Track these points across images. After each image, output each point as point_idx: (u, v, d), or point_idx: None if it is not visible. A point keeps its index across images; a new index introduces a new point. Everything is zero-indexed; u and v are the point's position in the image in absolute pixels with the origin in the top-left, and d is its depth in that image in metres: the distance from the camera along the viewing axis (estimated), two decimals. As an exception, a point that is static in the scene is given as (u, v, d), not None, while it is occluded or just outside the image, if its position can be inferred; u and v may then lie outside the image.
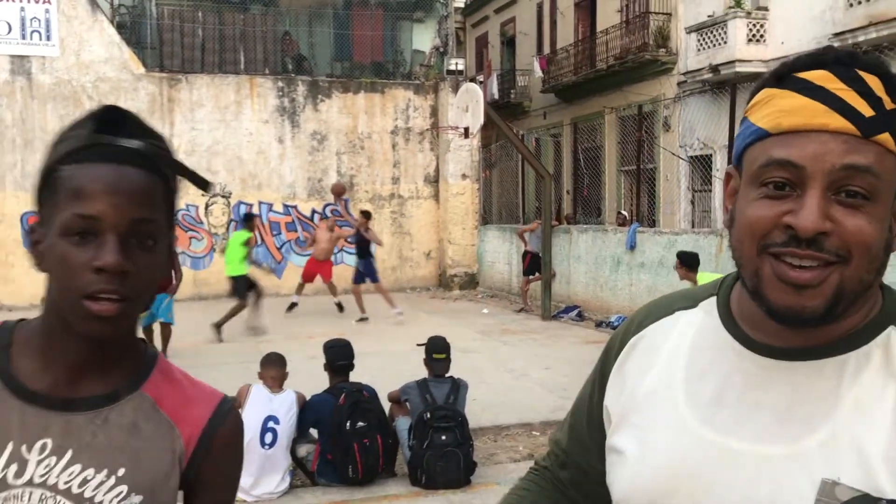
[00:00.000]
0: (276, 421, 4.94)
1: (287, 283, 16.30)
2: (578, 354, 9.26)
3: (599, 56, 18.25)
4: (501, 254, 15.78)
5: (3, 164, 14.56)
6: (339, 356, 5.34)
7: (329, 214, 16.42)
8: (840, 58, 0.84)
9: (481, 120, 11.91)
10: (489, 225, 17.09)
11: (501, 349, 9.77)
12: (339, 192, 12.74)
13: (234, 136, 15.85)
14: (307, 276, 12.86)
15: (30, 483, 0.97)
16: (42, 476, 0.98)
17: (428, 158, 17.08)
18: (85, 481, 0.99)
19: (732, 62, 13.98)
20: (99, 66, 14.97)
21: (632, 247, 11.24)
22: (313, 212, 16.48)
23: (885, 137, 0.81)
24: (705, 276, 7.09)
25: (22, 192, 14.65)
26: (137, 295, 0.97)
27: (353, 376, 5.39)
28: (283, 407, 5.00)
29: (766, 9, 14.27)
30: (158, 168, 0.99)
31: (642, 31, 16.86)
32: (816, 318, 0.82)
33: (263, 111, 16.06)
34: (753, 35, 14.07)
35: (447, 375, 5.33)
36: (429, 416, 5.01)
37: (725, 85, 13.52)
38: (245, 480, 4.83)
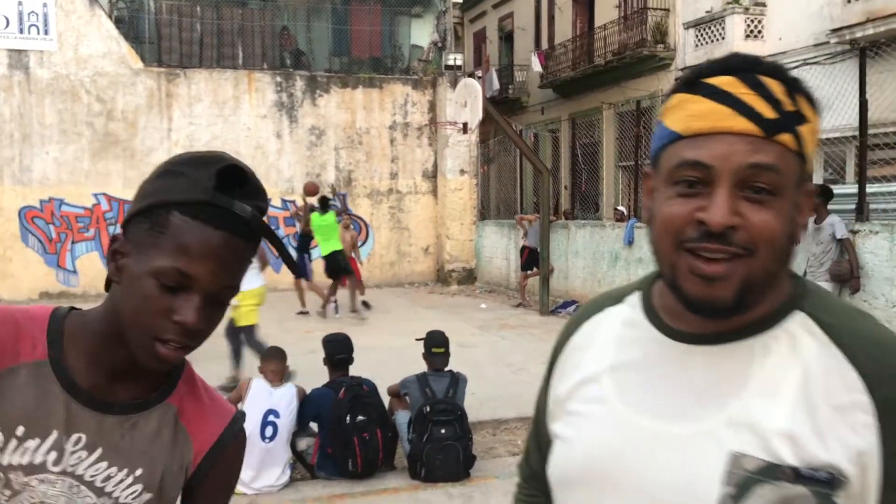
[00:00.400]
0: (277, 415, 4.97)
1: (286, 277, 16.30)
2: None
3: (597, 51, 18.24)
4: (499, 249, 15.80)
5: (1, 158, 14.54)
6: (337, 350, 5.36)
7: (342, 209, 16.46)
8: (744, 64, 0.90)
9: (480, 115, 11.91)
10: (487, 220, 17.11)
11: (500, 344, 9.80)
12: (311, 192, 12.56)
13: (232, 131, 15.84)
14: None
15: (63, 472, 1.04)
16: (72, 466, 1.05)
17: (426, 154, 17.09)
18: (108, 478, 1.07)
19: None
20: (97, 61, 14.95)
21: (630, 242, 11.27)
22: (312, 207, 16.47)
23: (786, 137, 0.88)
24: None
25: (20, 186, 14.65)
26: (198, 344, 1.05)
27: (354, 371, 5.41)
28: (284, 400, 5.02)
29: (763, 4, 14.28)
30: (257, 237, 1.06)
31: (640, 26, 16.85)
32: (727, 307, 0.89)
33: (262, 106, 16.06)
34: (751, 31, 14.08)
35: (446, 370, 5.36)
36: (428, 409, 5.04)
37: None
38: (245, 474, 4.86)
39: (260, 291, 7.17)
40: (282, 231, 16.31)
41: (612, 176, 18.32)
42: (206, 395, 1.19)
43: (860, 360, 0.87)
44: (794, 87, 0.90)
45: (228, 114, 15.83)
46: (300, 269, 11.88)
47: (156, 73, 15.42)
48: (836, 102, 11.50)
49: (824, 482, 0.85)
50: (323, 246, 11.64)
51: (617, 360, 1.01)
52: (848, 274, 7.40)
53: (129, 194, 15.92)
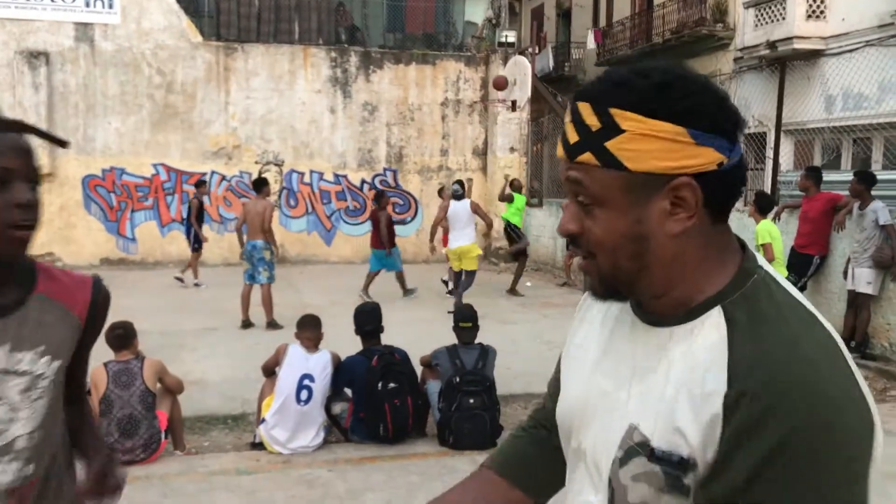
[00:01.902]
0: (312, 379, 5.16)
1: (336, 251, 16.62)
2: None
3: (655, 30, 17.93)
4: (547, 228, 15.78)
5: (66, 127, 15.07)
6: (366, 321, 5.53)
7: (379, 186, 16.65)
8: (575, 93, 1.01)
9: (528, 93, 11.92)
10: (535, 199, 17.08)
11: (541, 321, 9.87)
12: (500, 86, 12.00)
13: (287, 105, 16.12)
14: None
15: None
16: None
17: (477, 131, 17.13)
18: (20, 360, 1.45)
19: (790, 39, 13.62)
20: (158, 34, 15.35)
21: (677, 223, 11.19)
22: (363, 182, 16.70)
23: (586, 157, 0.97)
24: (766, 224, 7.69)
25: (83, 155, 15.19)
26: (39, 220, 1.41)
27: (397, 342, 5.62)
28: (319, 366, 5.21)
29: (827, -16, 13.86)
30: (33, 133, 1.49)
31: (700, 5, 16.49)
32: (600, 295, 1.07)
33: (316, 81, 16.28)
34: (813, 11, 13.67)
35: (476, 342, 5.48)
36: (458, 380, 5.18)
37: (783, 61, 13.23)
38: (281, 434, 5.08)
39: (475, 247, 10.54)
40: (333, 205, 16.58)
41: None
42: (64, 276, 1.57)
43: (736, 359, 0.92)
44: (605, 105, 0.95)
45: (284, 88, 16.10)
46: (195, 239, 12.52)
47: (214, 46, 15.76)
48: (898, 85, 11.18)
49: (674, 464, 0.94)
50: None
51: (603, 328, 1.15)
52: (889, 260, 7.27)
53: (186, 165, 16.33)
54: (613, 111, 0.95)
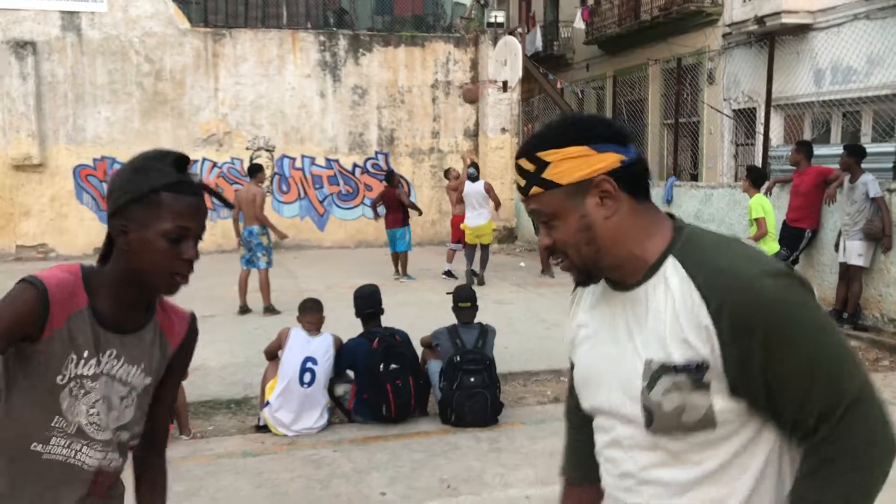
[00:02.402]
0: (315, 362, 5.22)
1: (329, 235, 16.65)
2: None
3: (644, 7, 17.91)
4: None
5: (55, 118, 15.01)
6: (365, 305, 5.60)
7: (371, 169, 16.66)
8: (517, 153, 1.43)
9: (519, 74, 11.94)
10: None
11: (536, 301, 9.95)
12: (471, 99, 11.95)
13: (277, 91, 16.07)
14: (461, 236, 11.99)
15: (102, 373, 1.63)
16: (108, 370, 1.64)
17: (468, 112, 17.12)
18: (128, 373, 1.67)
19: (778, 13, 13.64)
20: (145, 22, 15.26)
21: (668, 200, 11.25)
22: (354, 166, 16.70)
23: (534, 190, 1.39)
24: (759, 198, 7.80)
25: (74, 145, 15.13)
26: (192, 271, 1.63)
27: (395, 324, 5.68)
28: (321, 349, 5.27)
29: (815, -43, 13.87)
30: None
31: (688, -19, 16.49)
32: (582, 282, 1.46)
33: (306, 65, 16.23)
34: (801, -15, 13.70)
35: (475, 322, 5.55)
36: (458, 359, 5.25)
37: (772, 36, 13.25)
38: (286, 416, 5.14)
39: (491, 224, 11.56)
40: (326, 190, 16.59)
41: (657, 134, 18.14)
42: (172, 310, 1.78)
43: (701, 283, 1.29)
44: (533, 152, 1.38)
45: (273, 73, 16.05)
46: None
47: (202, 33, 15.67)
48: (887, 57, 11.24)
49: (693, 370, 1.29)
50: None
51: (591, 307, 1.52)
52: (880, 232, 7.35)
53: (178, 153, 16.44)
54: (539, 154, 1.38)
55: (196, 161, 15.70)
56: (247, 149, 16.07)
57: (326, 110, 16.43)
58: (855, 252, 7.53)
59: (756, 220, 7.69)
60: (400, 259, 11.86)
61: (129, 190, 1.54)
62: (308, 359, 5.23)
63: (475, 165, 11.84)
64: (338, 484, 4.29)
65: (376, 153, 16.81)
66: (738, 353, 1.24)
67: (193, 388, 5.73)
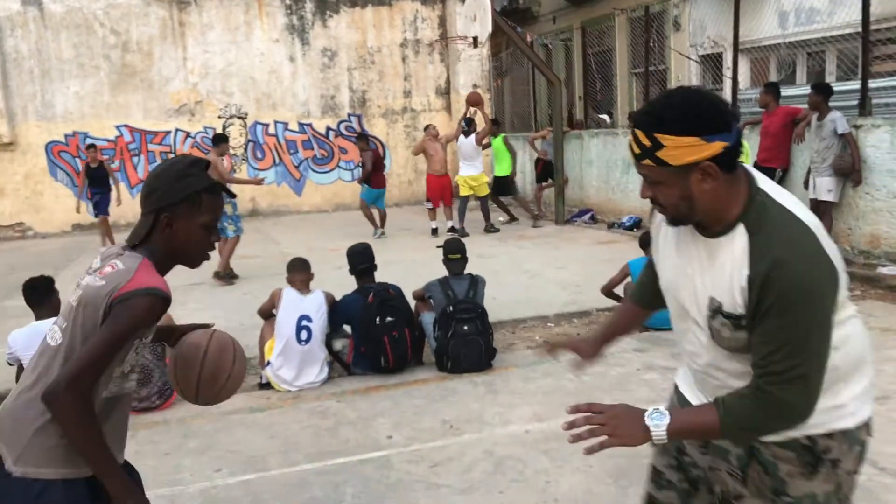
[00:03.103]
0: (309, 319, 5.39)
1: (307, 200, 16.71)
2: (591, 254, 9.65)
3: (608, -44, 17.92)
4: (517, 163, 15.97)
5: (23, 95, 14.82)
6: (359, 260, 5.77)
7: (344, 132, 16.67)
8: (635, 121, 1.70)
9: (489, 29, 11.96)
10: (502, 134, 17.23)
11: (518, 253, 10.17)
12: (474, 102, 12.08)
13: (246, 57, 15.96)
14: (435, 195, 12.24)
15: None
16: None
17: (438, 70, 17.14)
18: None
19: (742, -43, 13.78)
20: (108, -7, 15.02)
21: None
22: (328, 129, 16.70)
23: (646, 162, 1.69)
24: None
25: (44, 121, 14.98)
26: None
27: (385, 280, 5.84)
28: (314, 306, 5.44)
29: None
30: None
31: (651, -73, 16.50)
32: (672, 224, 1.82)
33: (273, 30, 16.11)
34: (763, -73, 13.80)
35: (465, 273, 5.75)
36: (451, 309, 5.46)
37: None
38: (288, 374, 5.34)
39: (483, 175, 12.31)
40: (301, 155, 16.60)
41: (626, 83, 18.28)
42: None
43: (754, 253, 1.66)
44: (651, 130, 1.66)
45: (241, 40, 15.92)
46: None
47: (167, 2, 15.44)
48: (847, -2, 11.44)
49: (735, 317, 1.71)
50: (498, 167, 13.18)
51: (675, 237, 1.90)
52: (850, 168, 7.62)
53: (149, 125, 16.16)
54: (657, 135, 1.65)
55: (169, 132, 15.64)
56: (219, 117, 16.00)
57: (297, 74, 16.36)
58: (825, 188, 7.81)
59: None
60: (381, 216, 12.08)
61: (178, 191, 2.02)
62: (303, 317, 5.39)
63: (468, 120, 12.16)
64: (346, 431, 4.51)
65: (349, 115, 16.81)
66: (756, 309, 1.65)
67: (194, 352, 5.88)
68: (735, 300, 1.68)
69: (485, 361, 5.43)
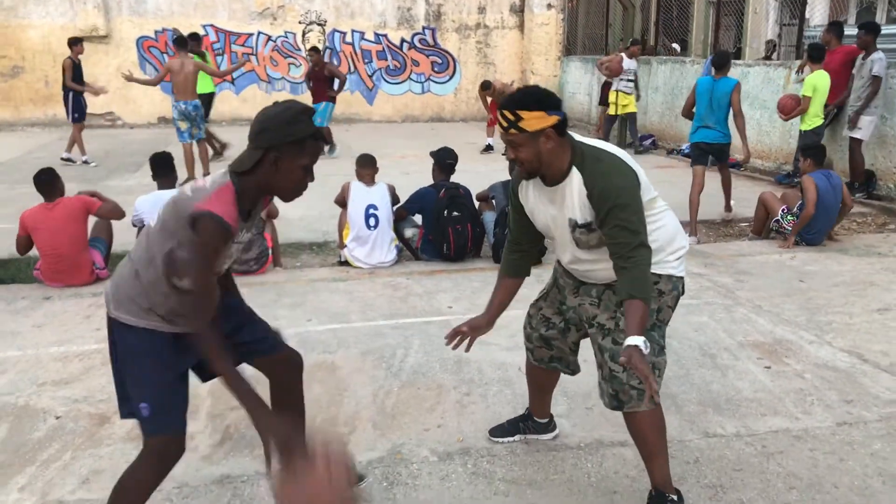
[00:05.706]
0: (375, 208, 6.15)
1: (378, 110, 17.36)
2: (650, 178, 10.12)
3: None
4: (583, 85, 16.31)
5: (119, -10, 15.63)
6: (448, 156, 6.47)
7: (417, 44, 17.12)
8: (502, 105, 2.51)
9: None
10: (572, 56, 17.47)
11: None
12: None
13: (328, -35, 16.41)
14: (496, 114, 12.60)
15: (235, 241, 2.45)
16: (238, 238, 2.47)
17: (514, -12, 17.34)
18: (243, 235, 2.50)
19: None
20: None
21: (707, 74, 11.71)
22: (402, 41, 17.18)
23: (512, 131, 2.47)
24: (812, 78, 8.48)
25: (136, 16, 15.82)
26: None
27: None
28: (378, 195, 6.19)
29: None
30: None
31: None
32: (527, 178, 2.64)
33: (355, -61, 16.47)
34: None
35: (526, 177, 6.40)
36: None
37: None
38: (361, 253, 6.14)
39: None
40: (374, 64, 17.17)
41: (702, 12, 18.19)
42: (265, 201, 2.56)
43: (587, 183, 2.51)
44: (514, 108, 2.44)
45: (324, -53, 16.34)
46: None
47: None
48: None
49: (587, 225, 2.56)
50: None
51: (535, 190, 2.67)
52: (863, 107, 7.95)
53: (234, 26, 16.85)
54: (518, 111, 2.45)
55: (251, 34, 16.34)
56: (299, 23, 16.62)
57: (376, -15, 16.77)
58: (855, 125, 8.14)
59: (803, 96, 8.28)
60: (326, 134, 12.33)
61: (289, 134, 2.23)
62: (370, 206, 6.15)
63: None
64: (414, 300, 5.30)
65: (423, 28, 17.23)
66: (599, 215, 2.49)
67: (280, 233, 6.71)
68: (585, 214, 2.52)
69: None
